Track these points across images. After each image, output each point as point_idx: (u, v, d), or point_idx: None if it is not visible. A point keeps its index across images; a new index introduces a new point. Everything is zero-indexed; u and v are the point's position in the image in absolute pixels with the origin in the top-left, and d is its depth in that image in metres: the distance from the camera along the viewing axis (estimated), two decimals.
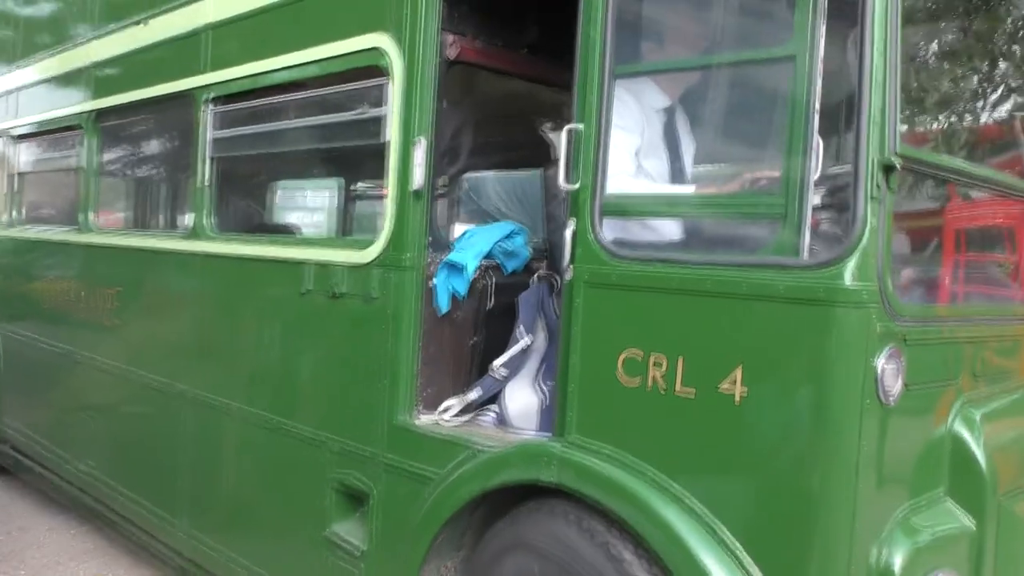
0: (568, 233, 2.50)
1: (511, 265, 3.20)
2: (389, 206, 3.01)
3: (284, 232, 4.79)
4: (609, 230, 2.44)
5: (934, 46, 2.84)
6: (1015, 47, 3.03)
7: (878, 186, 2.02)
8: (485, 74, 3.44)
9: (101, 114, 4.85)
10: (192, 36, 3.99)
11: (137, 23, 4.48)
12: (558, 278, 3.07)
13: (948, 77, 2.99)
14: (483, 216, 4.12)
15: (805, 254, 2.07)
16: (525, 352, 3.05)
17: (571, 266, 2.49)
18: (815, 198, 2.07)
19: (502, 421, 3.04)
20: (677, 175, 2.71)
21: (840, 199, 2.10)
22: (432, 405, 3.05)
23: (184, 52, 4.04)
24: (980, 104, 3.16)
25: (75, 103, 5.08)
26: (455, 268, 3.03)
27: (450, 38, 3.03)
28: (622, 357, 2.37)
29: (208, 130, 3.86)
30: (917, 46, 2.73)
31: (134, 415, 4.56)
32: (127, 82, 4.66)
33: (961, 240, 3.09)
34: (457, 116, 3.39)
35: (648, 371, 2.32)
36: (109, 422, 4.80)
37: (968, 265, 3.17)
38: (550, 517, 2.49)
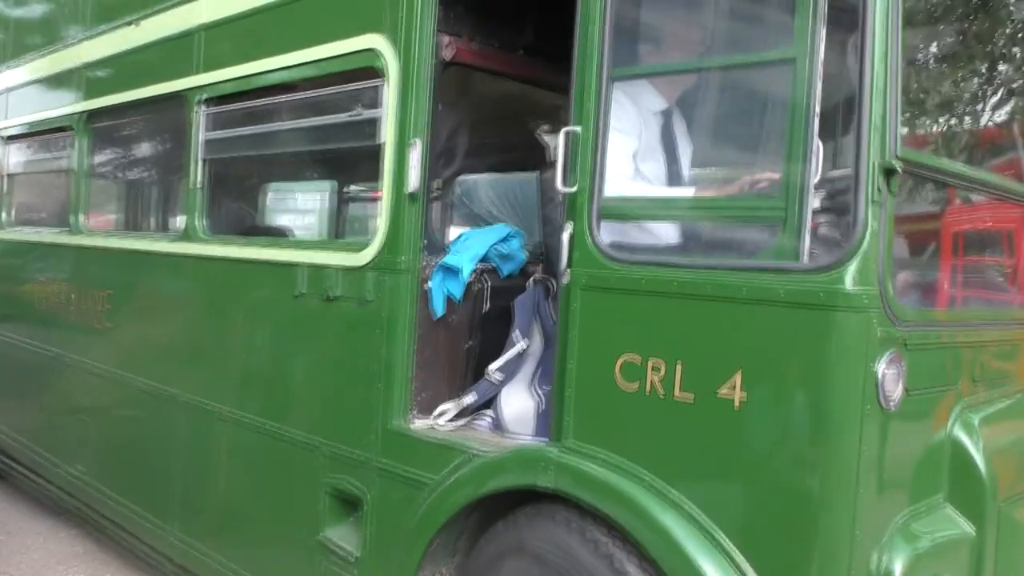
0: (565, 236, 2.48)
1: (507, 268, 3.18)
2: (384, 209, 2.98)
3: (277, 234, 4.77)
4: (607, 233, 2.42)
5: (934, 48, 2.83)
6: (1015, 49, 3.03)
7: (879, 189, 2.01)
8: (480, 75, 3.42)
9: (92, 115, 4.82)
10: (185, 37, 3.96)
11: (129, 24, 4.44)
12: (554, 281, 3.05)
13: (948, 80, 2.98)
14: (476, 220, 4.10)
15: (805, 258, 2.05)
16: (521, 356, 3.03)
17: (568, 269, 2.47)
18: (815, 201, 2.06)
19: (498, 426, 3.01)
20: (674, 178, 2.70)
21: (840, 202, 2.09)
22: (427, 409, 3.02)
23: (177, 53, 4.01)
24: (980, 107, 3.15)
25: (66, 104, 5.04)
26: (451, 271, 3.00)
27: (446, 39, 3.01)
28: (620, 361, 2.35)
29: (201, 131, 3.83)
30: (917, 48, 2.71)
31: (125, 419, 4.52)
32: (119, 83, 4.63)
33: (960, 244, 3.09)
34: (452, 118, 3.37)
35: (646, 376, 2.29)
36: (100, 426, 4.75)
37: (967, 269, 3.17)
38: (552, 524, 2.47)
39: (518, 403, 3.00)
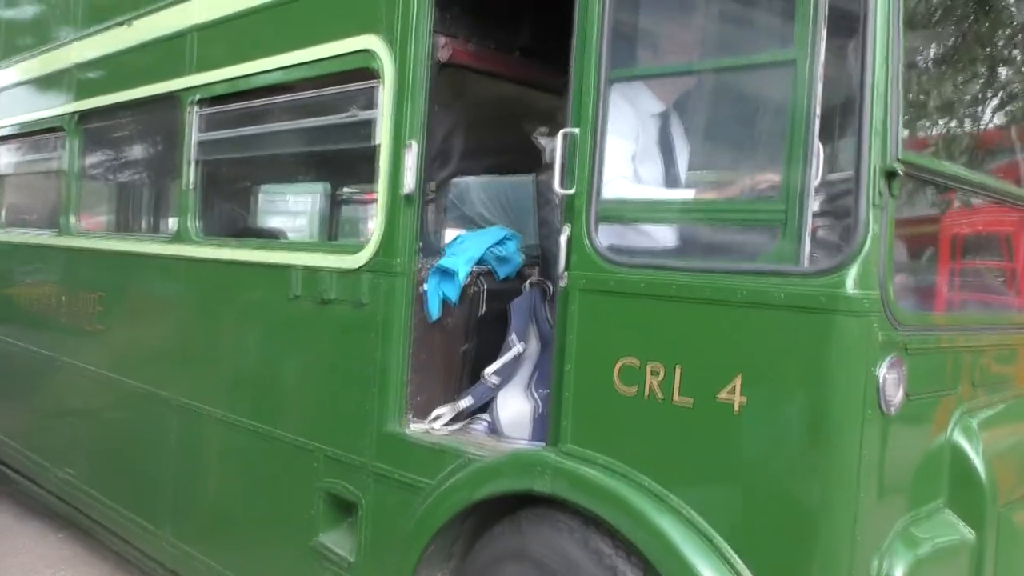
0: (563, 239, 2.46)
1: (503, 271, 3.16)
2: (379, 210, 2.96)
3: (271, 236, 4.73)
4: (605, 236, 2.41)
5: (934, 51, 2.82)
6: (1015, 52, 3.02)
7: (880, 193, 2.00)
8: (476, 77, 3.40)
9: (84, 116, 4.78)
10: (178, 37, 3.93)
11: (121, 24, 4.41)
12: (550, 284, 3.04)
13: (948, 82, 2.97)
14: (467, 222, 4.08)
15: (806, 261, 2.04)
16: (517, 359, 3.02)
17: (566, 272, 2.45)
18: (816, 204, 2.05)
19: (494, 430, 3.00)
20: (672, 181, 2.68)
21: (841, 205, 2.08)
22: (422, 413, 3.00)
23: (169, 53, 3.98)
24: (980, 110, 3.15)
25: (57, 105, 5.01)
26: (446, 274, 2.98)
27: (442, 40, 3.00)
28: (618, 365, 2.33)
29: (193, 132, 3.80)
30: (917, 51, 2.70)
31: (116, 422, 4.48)
32: (110, 84, 4.60)
33: (959, 247, 3.08)
34: (448, 119, 3.35)
35: (645, 380, 2.28)
36: (90, 429, 4.71)
37: (967, 272, 3.16)
38: (555, 531, 2.44)
39: (514, 407, 2.98)
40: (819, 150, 2.01)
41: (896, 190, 2.03)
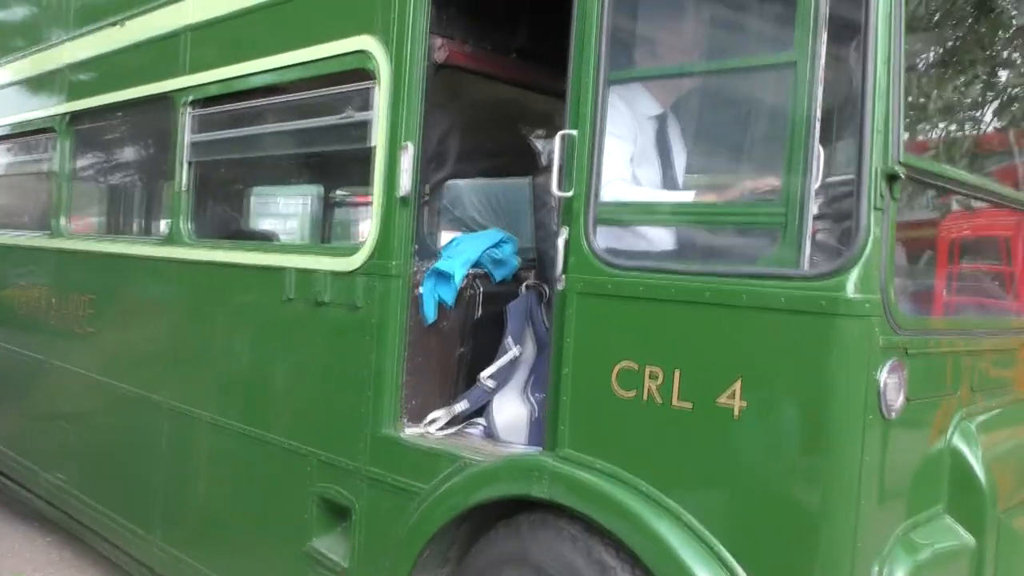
0: (561, 241, 2.44)
1: (500, 274, 3.14)
2: (375, 213, 2.94)
3: (264, 238, 4.70)
4: (603, 238, 2.39)
5: (933, 53, 2.82)
6: (1015, 55, 3.02)
7: (881, 195, 1.98)
8: (472, 78, 3.38)
9: (75, 117, 4.75)
10: (171, 37, 3.91)
11: (114, 24, 4.38)
12: (547, 287, 3.02)
13: (948, 85, 2.97)
14: (459, 224, 4.06)
15: (806, 264, 2.03)
16: (514, 363, 3.00)
17: (564, 275, 2.43)
18: (817, 207, 2.03)
19: (490, 434, 2.98)
20: (670, 184, 2.66)
21: (842, 208, 2.07)
22: (418, 417, 2.97)
23: (163, 54, 3.95)
24: (980, 112, 3.14)
25: (48, 106, 4.97)
26: (442, 276, 2.96)
27: (438, 41, 2.97)
28: (617, 369, 2.31)
29: (187, 134, 3.77)
30: (918, 53, 2.70)
31: (107, 426, 4.44)
32: (102, 84, 4.57)
33: (958, 251, 3.07)
34: (444, 121, 3.33)
35: (644, 383, 2.26)
36: (81, 433, 4.67)
37: (966, 276, 3.15)
38: (557, 539, 2.41)
39: (511, 411, 2.96)
40: (819, 152, 2.00)
41: (897, 193, 2.02)
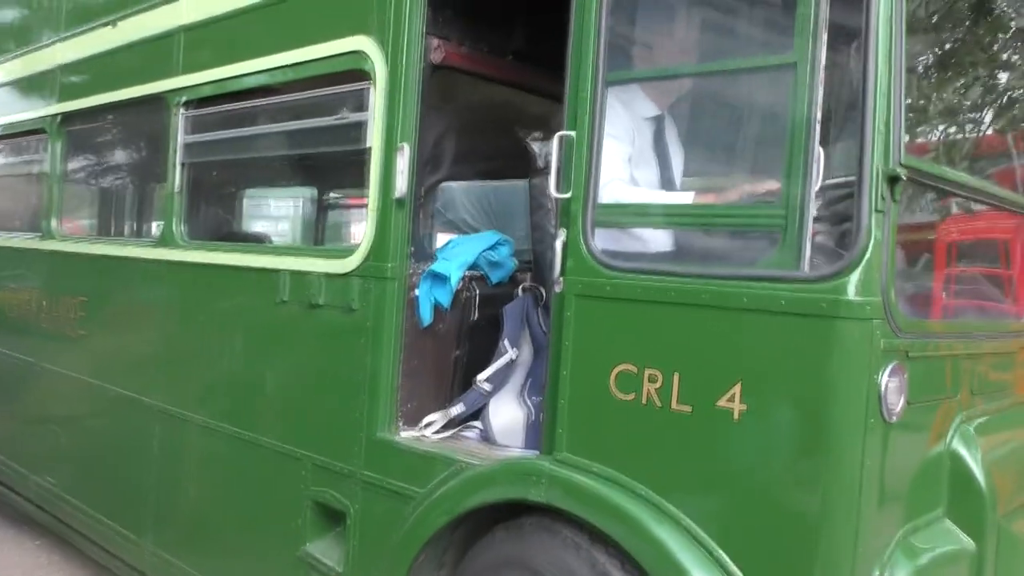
0: (559, 243, 2.43)
1: (496, 276, 3.12)
2: (370, 214, 2.92)
3: (258, 240, 4.67)
4: (602, 240, 2.37)
5: (933, 55, 2.81)
6: (1015, 57, 3.02)
7: (882, 197, 1.97)
8: (468, 80, 3.36)
9: (67, 118, 4.71)
10: (165, 38, 3.88)
11: (106, 24, 4.35)
12: (543, 290, 3.00)
13: (948, 86, 2.96)
14: (450, 227, 4.05)
15: (807, 267, 2.01)
16: (510, 366, 2.97)
17: (562, 278, 2.41)
18: (818, 209, 2.02)
19: (486, 437, 2.95)
20: (668, 185, 2.65)
21: (843, 210, 2.05)
22: (413, 420, 2.95)
23: (156, 54, 3.93)
24: (980, 115, 3.14)
25: (39, 107, 4.93)
26: (438, 278, 2.94)
27: (435, 42, 2.96)
28: (615, 372, 2.29)
29: (180, 135, 3.74)
30: (918, 55, 2.69)
31: (98, 429, 4.40)
32: (94, 85, 4.53)
33: (958, 254, 3.07)
34: (439, 123, 3.31)
35: (642, 386, 2.24)
36: (71, 436, 4.63)
37: (966, 279, 3.15)
38: (561, 547, 2.38)
39: (507, 414, 2.94)
40: (820, 154, 1.99)
41: (899, 195, 2.01)
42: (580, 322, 2.37)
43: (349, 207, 5.32)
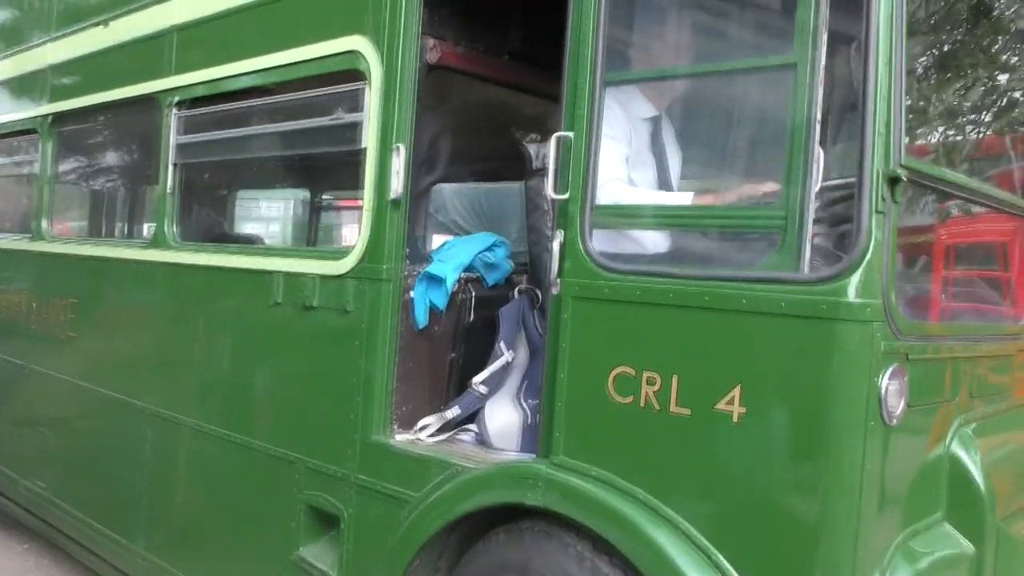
0: (556, 245, 2.41)
1: (492, 278, 3.11)
2: (365, 215, 2.90)
3: (251, 242, 4.64)
4: (600, 242, 2.35)
5: (933, 57, 2.80)
6: (1015, 59, 3.02)
7: (883, 198, 1.96)
8: (463, 80, 3.34)
9: (58, 118, 4.68)
10: (157, 38, 3.85)
11: (97, 24, 4.32)
12: (539, 292, 2.98)
13: (948, 88, 2.96)
14: (443, 229, 4.02)
15: (807, 268, 2.00)
16: (506, 368, 2.96)
17: (559, 280, 2.39)
18: (818, 211, 2.01)
19: (481, 440, 2.93)
20: (664, 186, 2.64)
21: (843, 212, 2.04)
22: (408, 423, 2.93)
23: (148, 54, 3.90)
24: (979, 117, 3.14)
25: (30, 107, 4.90)
26: (434, 280, 2.92)
27: (431, 42, 2.94)
28: (613, 374, 2.27)
29: (172, 135, 3.71)
30: (918, 57, 2.68)
31: (89, 433, 4.37)
32: (86, 85, 4.50)
33: (957, 256, 3.06)
34: (434, 124, 3.29)
35: (641, 389, 2.22)
36: (62, 440, 4.59)
37: (965, 281, 3.14)
38: (563, 554, 2.34)
39: (503, 417, 2.92)
40: (820, 155, 1.97)
41: (899, 196, 2.00)
42: (578, 324, 2.35)
43: (344, 208, 5.30)
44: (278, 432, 3.22)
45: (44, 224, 4.75)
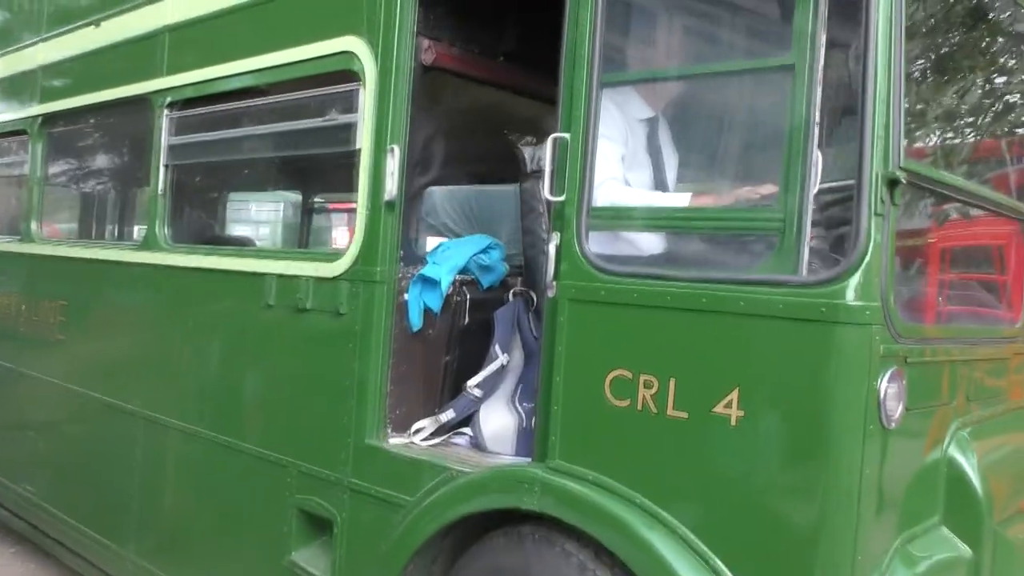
0: (552, 247, 2.39)
1: (487, 280, 3.08)
2: (359, 217, 2.88)
3: (244, 243, 4.61)
4: (596, 244, 2.34)
5: (931, 59, 2.80)
6: (1012, 62, 3.02)
7: (882, 201, 1.95)
8: (458, 81, 3.32)
9: (48, 119, 4.65)
10: (149, 38, 3.83)
11: (89, 24, 4.29)
12: (534, 294, 2.96)
13: (946, 90, 2.95)
14: (433, 231, 4.00)
15: (805, 271, 1.99)
16: (501, 371, 2.94)
17: (555, 282, 2.38)
18: (817, 213, 2.00)
19: (476, 444, 2.91)
20: (661, 188, 2.63)
21: (841, 214, 2.03)
22: (402, 427, 2.91)
23: (140, 55, 3.88)
24: (978, 119, 3.13)
25: (20, 108, 4.86)
26: (428, 282, 2.91)
27: (425, 43, 2.92)
28: (610, 377, 2.26)
29: (164, 136, 3.69)
30: (916, 59, 2.68)
31: (79, 436, 4.33)
32: (77, 86, 4.48)
33: (954, 259, 3.06)
34: (429, 125, 3.27)
35: (638, 392, 2.20)
36: (51, 444, 4.56)
37: (963, 285, 3.14)
38: (565, 563, 2.31)
39: (498, 420, 2.90)
40: (818, 157, 1.96)
41: (898, 198, 1.99)
42: (574, 327, 2.34)
43: (337, 210, 5.28)
44: (271, 435, 3.20)
45: (34, 226, 4.72)
